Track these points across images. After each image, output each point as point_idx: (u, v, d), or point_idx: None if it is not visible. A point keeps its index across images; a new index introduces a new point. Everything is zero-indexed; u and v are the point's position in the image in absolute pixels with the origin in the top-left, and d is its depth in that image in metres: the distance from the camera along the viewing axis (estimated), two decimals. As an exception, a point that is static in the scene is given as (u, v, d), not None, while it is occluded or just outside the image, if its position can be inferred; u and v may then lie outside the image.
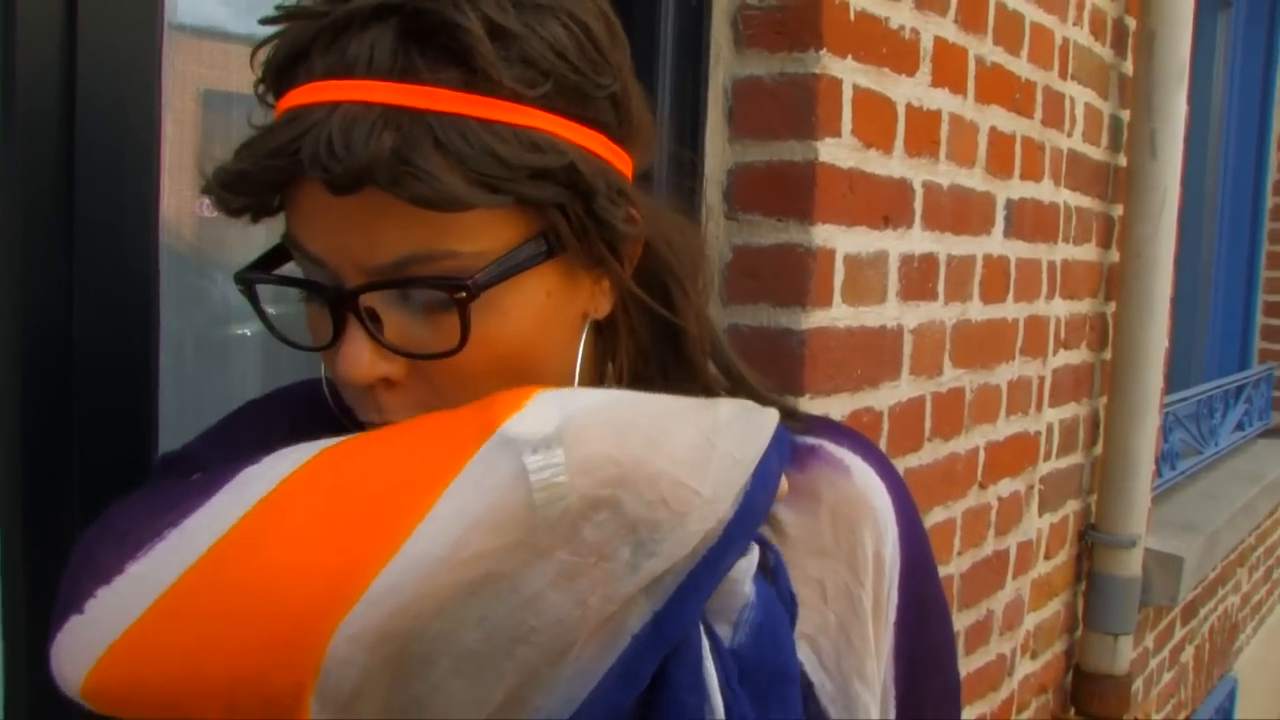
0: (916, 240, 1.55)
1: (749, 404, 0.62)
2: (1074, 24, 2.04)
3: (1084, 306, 2.27)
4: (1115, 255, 2.40)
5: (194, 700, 0.53)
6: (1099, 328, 2.37)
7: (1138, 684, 2.69)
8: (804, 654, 0.67)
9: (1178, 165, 2.36)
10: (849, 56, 1.35)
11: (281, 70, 0.58)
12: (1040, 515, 2.15)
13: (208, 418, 0.73)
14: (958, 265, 1.68)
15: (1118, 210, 2.39)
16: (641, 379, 0.69)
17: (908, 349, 1.56)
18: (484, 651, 0.53)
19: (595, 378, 0.68)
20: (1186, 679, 3.28)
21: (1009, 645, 2.05)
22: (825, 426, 0.74)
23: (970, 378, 1.77)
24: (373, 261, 0.57)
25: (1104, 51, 2.23)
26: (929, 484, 1.67)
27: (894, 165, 1.47)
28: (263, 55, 0.60)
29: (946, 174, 1.61)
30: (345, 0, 0.56)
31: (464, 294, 0.56)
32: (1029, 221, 1.93)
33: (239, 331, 1.20)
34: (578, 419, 0.55)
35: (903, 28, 1.46)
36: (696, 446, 0.57)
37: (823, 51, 1.30)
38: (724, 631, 0.61)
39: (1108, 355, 2.42)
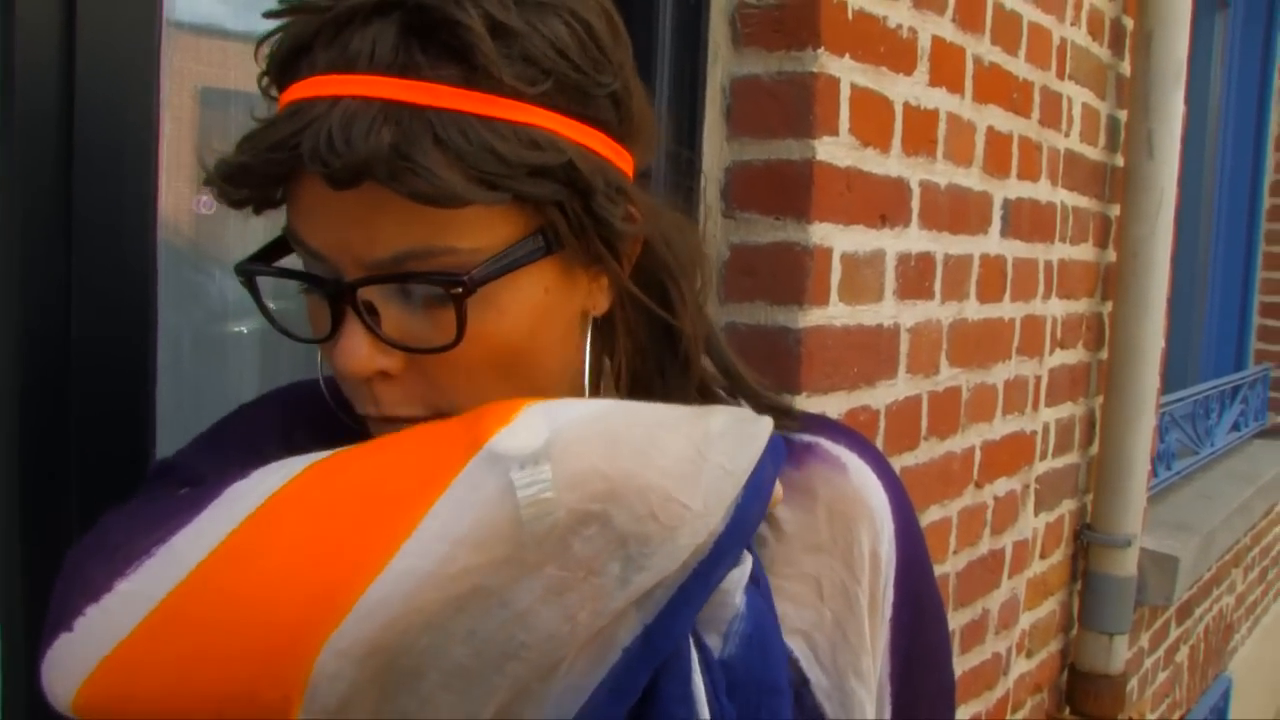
0: (913, 239, 1.55)
1: (743, 412, 0.62)
2: (1072, 24, 2.05)
3: (1081, 306, 2.27)
4: (1112, 255, 2.40)
5: (183, 715, 0.54)
6: (1095, 328, 2.38)
7: (1133, 683, 2.70)
8: (799, 650, 0.67)
9: (1175, 165, 2.36)
10: (847, 55, 1.35)
11: (285, 63, 0.59)
12: (1036, 514, 2.15)
13: (205, 415, 0.73)
14: (954, 264, 1.68)
15: (1115, 210, 2.40)
16: (639, 377, 0.70)
17: (904, 348, 1.56)
18: (473, 666, 0.53)
19: (593, 374, 0.68)
20: (1181, 679, 3.28)
21: (1004, 644, 2.05)
22: (822, 424, 0.74)
23: (967, 377, 1.77)
24: (372, 256, 0.57)
25: (1101, 51, 2.24)
26: (925, 483, 1.68)
27: (891, 164, 1.48)
28: (267, 48, 0.60)
29: (944, 173, 1.62)
30: None
31: (460, 289, 0.57)
32: (1026, 221, 1.93)
33: (236, 329, 1.20)
34: (566, 432, 0.55)
35: (900, 27, 1.46)
36: (687, 459, 0.56)
37: (820, 50, 1.30)
38: (713, 642, 0.61)
39: (1104, 355, 2.42)
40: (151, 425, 0.86)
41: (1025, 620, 2.15)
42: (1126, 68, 2.35)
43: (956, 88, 1.63)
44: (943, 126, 1.60)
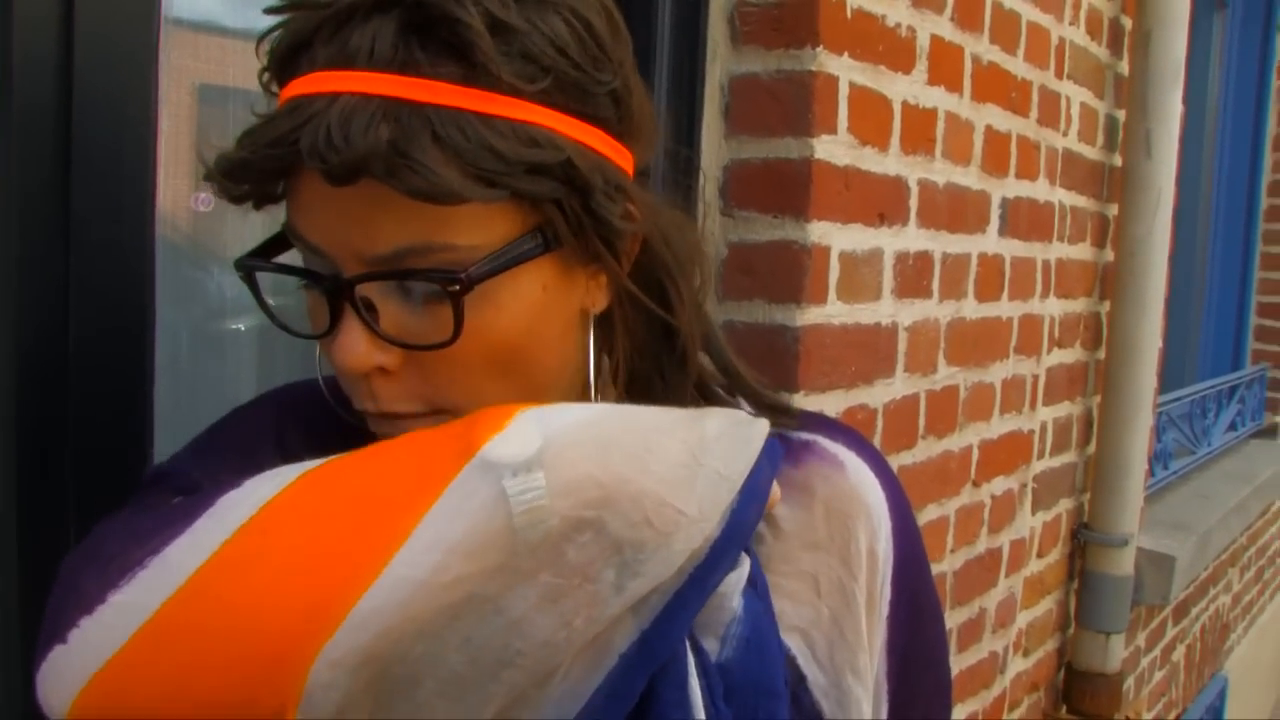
0: (912, 238, 1.55)
1: (739, 415, 0.62)
2: (1070, 23, 2.05)
3: (1078, 306, 2.27)
4: (1110, 255, 2.40)
5: None
6: (1093, 327, 2.38)
7: (1129, 682, 2.70)
8: (797, 647, 0.67)
9: (1173, 165, 2.37)
10: (845, 54, 1.35)
11: (285, 59, 0.59)
12: (1033, 514, 2.15)
13: (203, 411, 0.73)
14: (953, 263, 1.68)
15: (1113, 210, 2.40)
16: (638, 375, 0.70)
17: (902, 346, 1.56)
18: (469, 674, 0.53)
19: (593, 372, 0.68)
20: (1178, 678, 3.29)
21: (1001, 643, 2.06)
22: (820, 422, 0.74)
23: (964, 376, 1.77)
24: (370, 252, 0.57)
25: (1100, 51, 2.24)
26: (923, 481, 1.68)
27: (889, 163, 1.48)
28: (267, 44, 0.60)
29: (942, 172, 1.62)
30: None
31: (458, 286, 0.57)
32: (1024, 220, 1.93)
33: (234, 326, 1.20)
34: (559, 439, 0.54)
35: (899, 26, 1.46)
36: (682, 464, 0.56)
37: (819, 49, 1.30)
38: (711, 646, 0.61)
39: (1102, 354, 2.42)
40: (149, 422, 0.85)
41: (1022, 619, 2.15)
42: (1125, 67, 2.36)
43: (955, 87, 1.63)
44: (941, 125, 1.60)
